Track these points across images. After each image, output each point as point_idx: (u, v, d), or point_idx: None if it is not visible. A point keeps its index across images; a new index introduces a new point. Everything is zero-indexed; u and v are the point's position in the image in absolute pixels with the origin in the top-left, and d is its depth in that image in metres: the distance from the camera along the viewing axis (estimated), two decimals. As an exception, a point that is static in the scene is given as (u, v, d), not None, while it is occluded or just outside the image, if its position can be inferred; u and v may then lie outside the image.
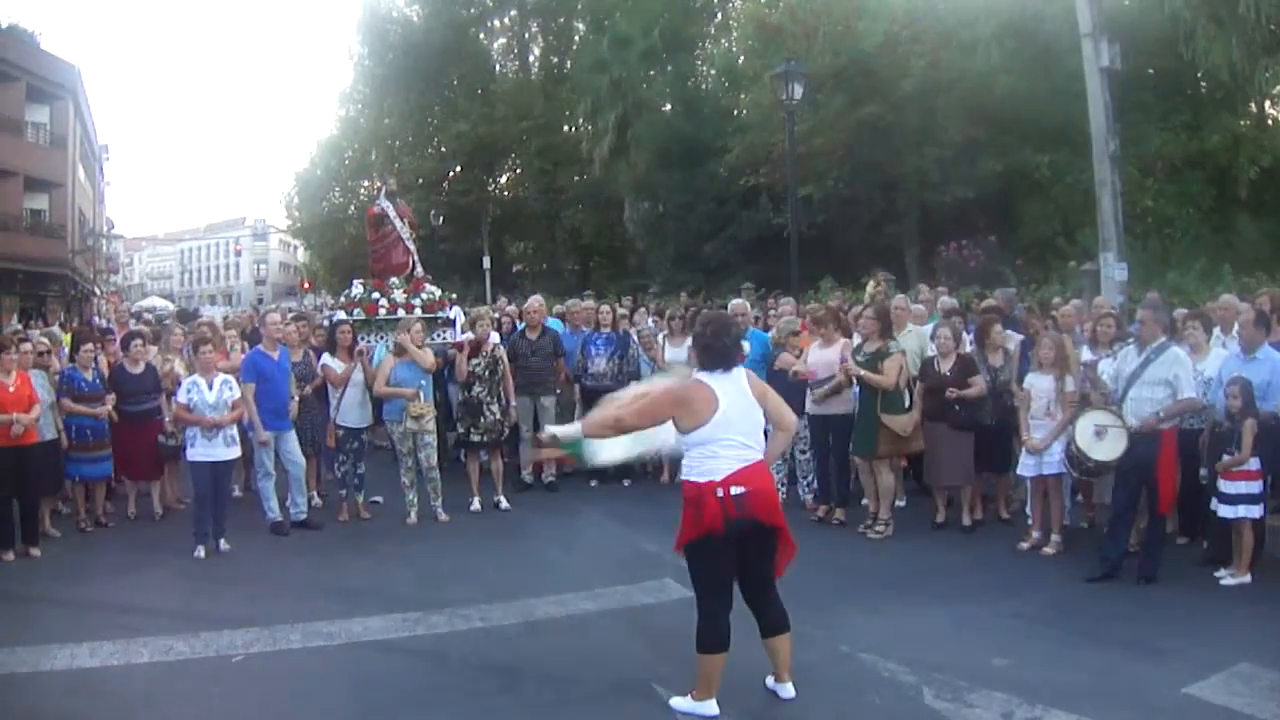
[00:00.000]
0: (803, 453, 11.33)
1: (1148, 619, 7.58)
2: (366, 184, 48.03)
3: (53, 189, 41.82)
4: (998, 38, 24.68)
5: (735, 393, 5.89)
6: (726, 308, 13.52)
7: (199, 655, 7.29)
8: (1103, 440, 8.49)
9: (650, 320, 14.86)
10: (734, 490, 5.73)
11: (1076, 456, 8.69)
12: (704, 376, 5.94)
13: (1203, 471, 8.98)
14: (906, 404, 10.34)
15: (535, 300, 13.89)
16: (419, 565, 9.75)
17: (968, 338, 11.14)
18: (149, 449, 11.43)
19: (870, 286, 17.54)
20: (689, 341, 12.62)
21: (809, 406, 10.85)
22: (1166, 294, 13.77)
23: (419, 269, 15.43)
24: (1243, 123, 24.29)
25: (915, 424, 10.31)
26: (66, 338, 14.07)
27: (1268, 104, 25.46)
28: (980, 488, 10.84)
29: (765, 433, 6.11)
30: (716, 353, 6.00)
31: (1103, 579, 8.43)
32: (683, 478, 6.04)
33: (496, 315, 14.53)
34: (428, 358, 11.55)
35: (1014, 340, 10.94)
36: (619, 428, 6.12)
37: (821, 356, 10.78)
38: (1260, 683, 6.26)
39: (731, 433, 5.82)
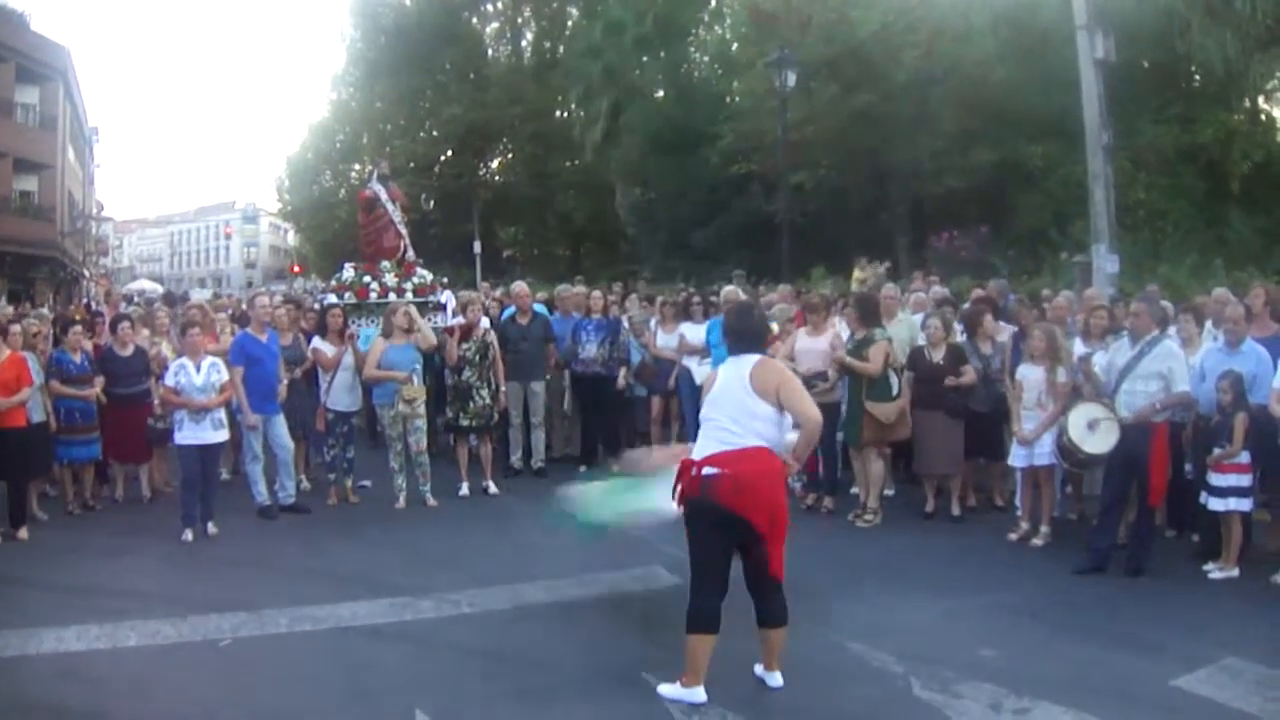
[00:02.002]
0: (793, 441, 11.32)
1: (1136, 612, 7.60)
2: (358, 167, 47.96)
3: (42, 171, 41.63)
4: (992, 28, 24.65)
5: (732, 378, 5.98)
6: (719, 294, 13.52)
7: (186, 639, 7.28)
8: (1095, 433, 8.48)
9: (638, 306, 14.85)
10: (705, 470, 5.83)
11: (1068, 448, 8.65)
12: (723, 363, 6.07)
13: (1187, 467, 9.02)
14: (894, 391, 10.35)
15: (520, 286, 13.85)
16: (407, 550, 9.74)
17: (958, 327, 11.16)
18: (138, 431, 11.39)
19: (857, 272, 17.55)
20: (680, 328, 12.70)
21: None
22: (1159, 287, 13.78)
23: (410, 253, 15.41)
24: (1236, 117, 24.26)
25: (900, 411, 10.31)
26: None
27: (1261, 99, 25.45)
28: (972, 477, 10.85)
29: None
30: (740, 336, 6.23)
31: (1091, 571, 8.44)
32: None
33: (486, 300, 14.49)
34: (430, 336, 11.56)
35: (1006, 331, 10.95)
36: None
37: (810, 345, 10.77)
38: (1247, 677, 6.27)
39: (717, 413, 5.93)
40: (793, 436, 6.12)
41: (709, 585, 5.95)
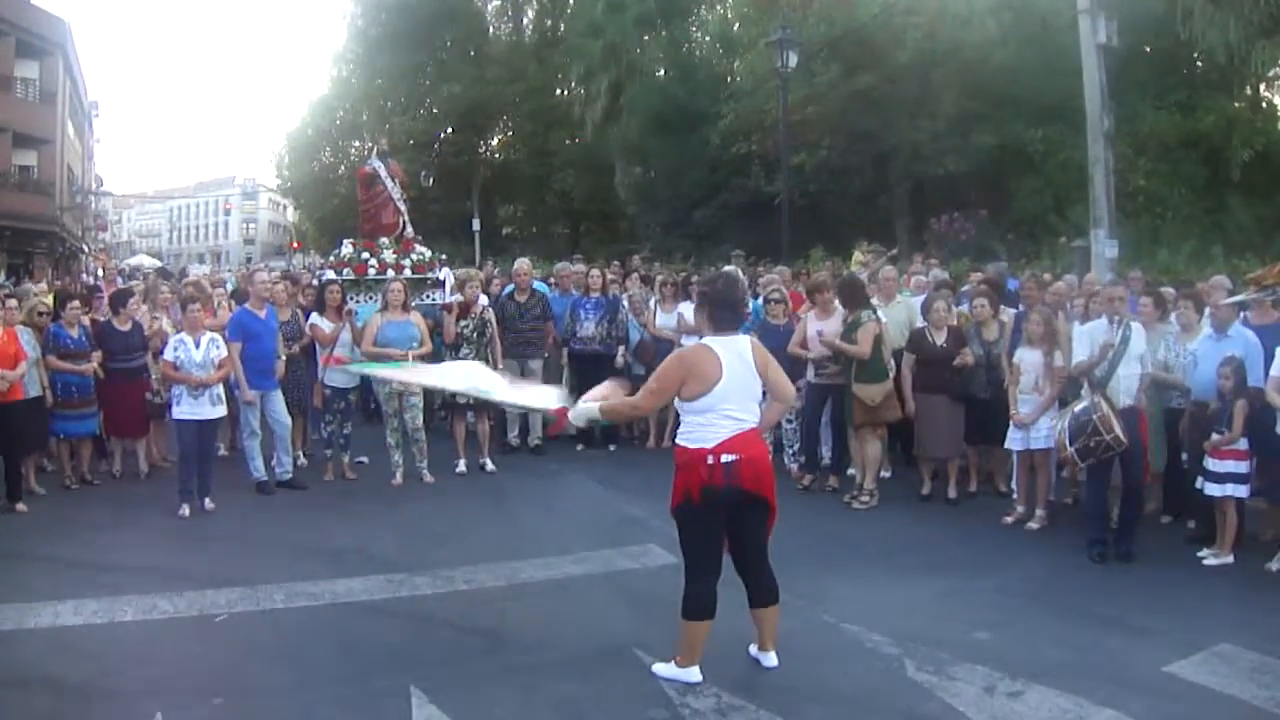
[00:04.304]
0: (789, 422, 11.34)
1: (1130, 597, 7.60)
2: (357, 144, 47.90)
3: (41, 145, 41.49)
4: (994, 11, 24.58)
5: (737, 362, 5.90)
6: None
7: (182, 614, 7.29)
8: (1115, 423, 8.37)
9: (638, 285, 14.85)
10: (724, 458, 5.76)
11: (1109, 444, 8.25)
12: (711, 341, 5.96)
13: (1183, 455, 9.01)
14: (888, 373, 10.35)
15: (523, 263, 13.86)
16: (403, 526, 9.75)
17: (957, 310, 11.16)
18: (136, 406, 11.39)
19: (858, 254, 17.54)
20: (680, 307, 12.70)
21: (810, 374, 10.90)
22: (1157, 273, 13.78)
23: (409, 230, 15.39)
24: (1237, 104, 24.23)
25: (887, 394, 10.29)
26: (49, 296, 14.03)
27: (1263, 86, 25.41)
28: (976, 461, 10.85)
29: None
30: (730, 306, 6.13)
31: (1105, 555, 8.42)
32: (677, 442, 6.06)
33: (486, 278, 14.48)
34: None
35: (1006, 314, 10.90)
36: (636, 412, 6.41)
37: (819, 328, 10.75)
38: (1240, 663, 6.28)
39: (729, 402, 5.84)
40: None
41: (709, 571, 5.95)
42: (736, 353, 5.94)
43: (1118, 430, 8.22)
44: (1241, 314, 9.22)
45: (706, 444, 5.81)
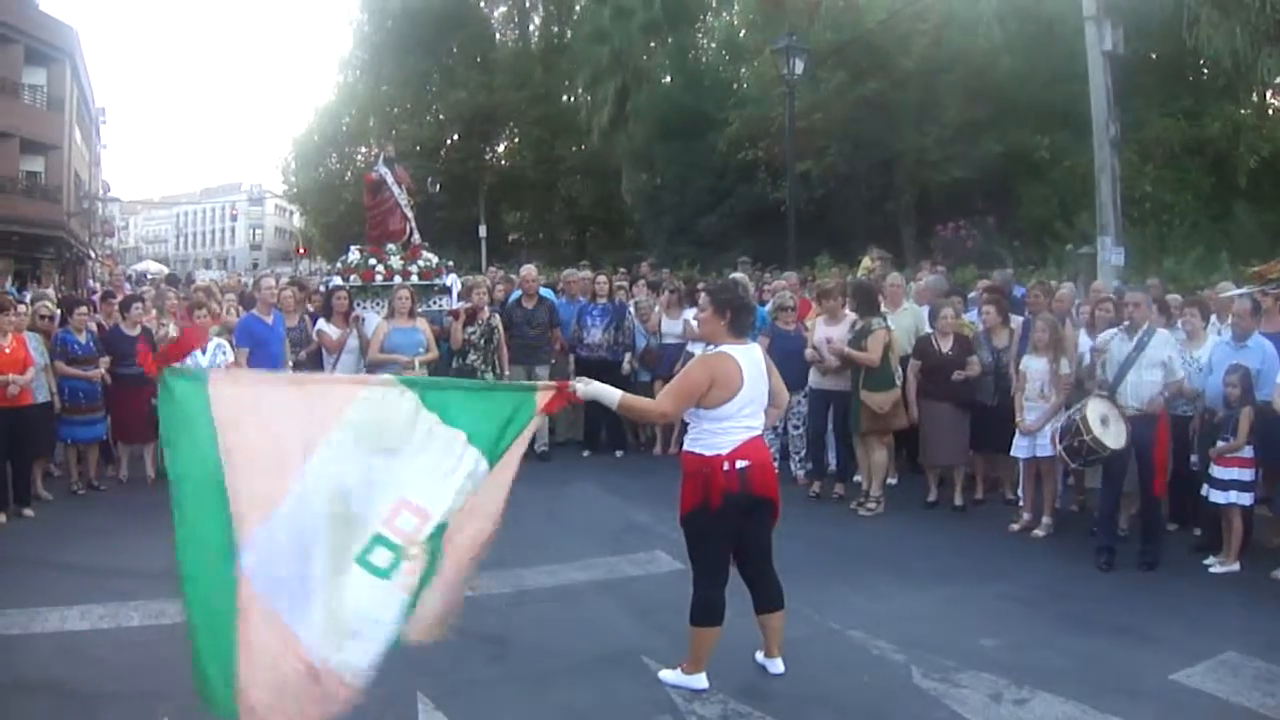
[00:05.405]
0: (796, 429, 11.36)
1: (1136, 605, 7.60)
2: (364, 150, 47.91)
3: (49, 151, 41.61)
4: (1000, 18, 24.59)
5: (755, 370, 5.93)
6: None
7: (189, 619, 7.29)
8: (1108, 428, 8.38)
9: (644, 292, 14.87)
10: (739, 464, 5.78)
11: (1090, 446, 8.32)
12: (731, 349, 5.95)
13: (1193, 458, 9.01)
14: (894, 381, 10.34)
15: (529, 269, 13.87)
16: (410, 533, 9.73)
17: (965, 318, 11.16)
18: (143, 411, 11.38)
19: (866, 262, 17.55)
20: (686, 313, 12.70)
21: (812, 380, 10.89)
22: (1164, 280, 13.77)
23: (416, 236, 15.40)
24: (1243, 111, 24.17)
25: (895, 401, 10.28)
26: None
27: (1269, 93, 25.39)
28: (984, 468, 10.84)
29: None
30: (749, 312, 6.16)
31: (1111, 565, 8.42)
32: (686, 449, 6.05)
33: (492, 284, 14.48)
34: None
35: (1014, 321, 10.87)
36: (661, 418, 6.41)
37: (830, 334, 10.74)
38: (1246, 671, 6.28)
39: (747, 410, 5.87)
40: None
41: (718, 577, 5.96)
42: (753, 360, 5.97)
43: (1096, 431, 8.24)
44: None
45: (721, 451, 5.81)
